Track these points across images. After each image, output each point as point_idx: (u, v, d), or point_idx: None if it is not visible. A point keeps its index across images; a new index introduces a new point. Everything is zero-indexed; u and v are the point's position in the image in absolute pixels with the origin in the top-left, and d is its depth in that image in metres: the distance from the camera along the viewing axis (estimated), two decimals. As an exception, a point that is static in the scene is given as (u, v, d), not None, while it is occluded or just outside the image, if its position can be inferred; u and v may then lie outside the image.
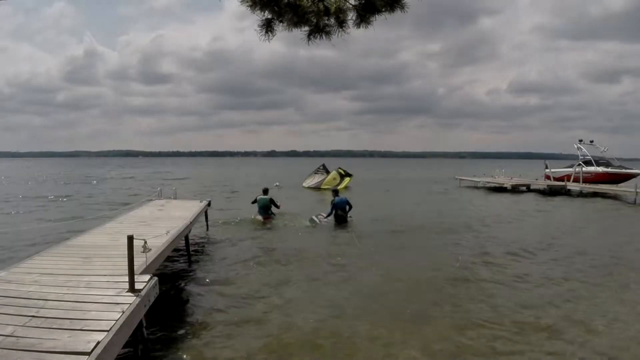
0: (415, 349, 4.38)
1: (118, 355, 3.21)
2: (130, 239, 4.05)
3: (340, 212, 11.44)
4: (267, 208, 12.23)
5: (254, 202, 12.52)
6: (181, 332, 4.81)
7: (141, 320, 3.90)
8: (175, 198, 12.69)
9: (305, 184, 25.45)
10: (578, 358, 4.21)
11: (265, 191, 12.56)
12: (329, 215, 11.64)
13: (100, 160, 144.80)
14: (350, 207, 11.74)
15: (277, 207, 12.45)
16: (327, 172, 25.04)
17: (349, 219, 11.69)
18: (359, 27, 3.63)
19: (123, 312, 3.52)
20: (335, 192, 12.27)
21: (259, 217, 12.19)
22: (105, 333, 3.10)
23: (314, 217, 11.98)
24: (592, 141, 25.83)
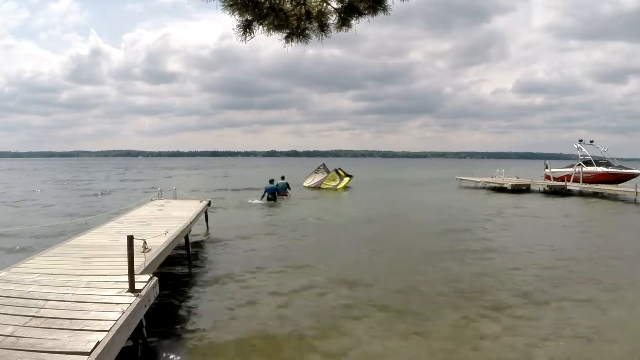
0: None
1: (118, 355, 3.21)
2: (130, 239, 4.05)
3: (270, 196, 17.34)
4: (283, 189, 18.63)
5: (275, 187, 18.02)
6: (181, 332, 4.81)
7: (141, 320, 3.91)
8: (175, 198, 12.71)
9: (305, 184, 25.43)
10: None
11: (283, 178, 19.32)
12: (262, 197, 17.47)
13: (108, 161, 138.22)
14: (278, 192, 17.65)
15: (289, 189, 18.99)
16: (328, 172, 25.21)
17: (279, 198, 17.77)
18: (340, 30, 3.59)
19: (123, 312, 3.52)
20: (271, 181, 17.95)
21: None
22: (105, 333, 3.11)
23: (250, 200, 17.75)
24: (592, 141, 25.84)
